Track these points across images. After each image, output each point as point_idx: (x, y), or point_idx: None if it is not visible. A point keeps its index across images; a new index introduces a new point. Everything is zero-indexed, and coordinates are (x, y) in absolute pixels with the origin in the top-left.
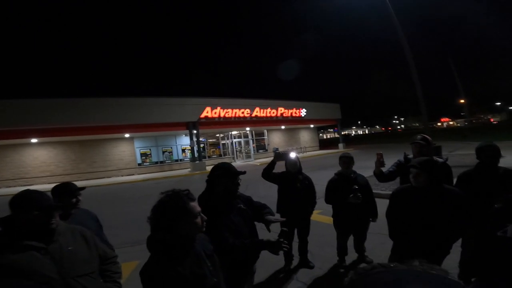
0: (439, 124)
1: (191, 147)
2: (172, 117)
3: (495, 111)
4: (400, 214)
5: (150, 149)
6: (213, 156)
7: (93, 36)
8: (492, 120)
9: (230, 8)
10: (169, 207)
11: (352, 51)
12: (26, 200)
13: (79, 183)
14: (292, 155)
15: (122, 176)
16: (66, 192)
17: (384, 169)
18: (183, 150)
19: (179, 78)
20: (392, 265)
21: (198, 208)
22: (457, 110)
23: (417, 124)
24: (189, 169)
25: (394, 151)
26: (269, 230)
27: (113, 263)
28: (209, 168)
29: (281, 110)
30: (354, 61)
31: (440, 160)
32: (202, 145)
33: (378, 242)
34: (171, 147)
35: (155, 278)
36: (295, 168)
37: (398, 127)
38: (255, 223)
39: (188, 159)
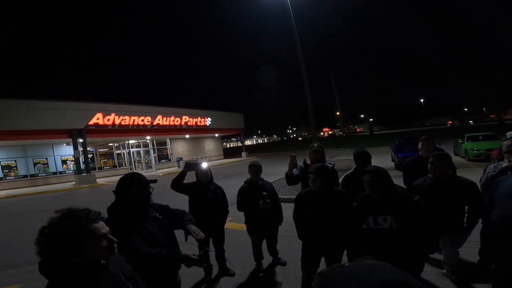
0: (321, 133)
1: (75, 158)
2: (50, 124)
3: (360, 122)
4: (304, 216)
5: (15, 161)
6: (105, 168)
7: None
8: (358, 130)
9: (135, 8)
10: (61, 230)
11: (252, 62)
12: None
13: None
14: (204, 165)
15: None
16: None
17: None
18: (64, 161)
19: (65, 81)
20: (347, 264)
21: (104, 230)
22: (334, 121)
23: (306, 134)
24: (73, 183)
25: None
26: (185, 239)
27: None
28: (100, 181)
29: (185, 118)
30: (255, 73)
31: (329, 165)
32: (90, 156)
33: (286, 244)
34: (46, 158)
35: None
36: (206, 178)
37: (291, 136)
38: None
39: (71, 171)
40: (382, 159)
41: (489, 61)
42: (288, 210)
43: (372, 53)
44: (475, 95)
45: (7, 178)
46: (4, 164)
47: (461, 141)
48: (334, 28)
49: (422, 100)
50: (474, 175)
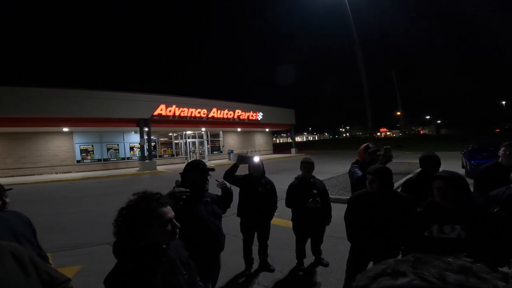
0: (378, 134)
1: (140, 145)
2: (121, 113)
3: (424, 124)
4: (356, 217)
5: (92, 145)
6: (164, 156)
7: (37, 20)
8: (421, 132)
9: (197, 6)
10: (136, 211)
11: (308, 61)
12: None
13: (3, 180)
14: (256, 159)
15: (57, 173)
16: None
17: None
18: (132, 148)
19: (134, 74)
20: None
21: (170, 215)
22: (394, 122)
23: (360, 133)
24: (137, 169)
25: (341, 157)
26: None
27: None
28: (159, 168)
29: (238, 112)
30: (309, 71)
31: None
32: (153, 144)
33: (331, 245)
34: (118, 144)
35: None
36: (258, 172)
37: (344, 135)
38: None
39: (136, 158)
40: (450, 165)
41: None
42: (335, 210)
43: (443, 50)
44: None
45: (84, 161)
46: (82, 148)
47: None
48: (399, 22)
49: (503, 103)
50: None
